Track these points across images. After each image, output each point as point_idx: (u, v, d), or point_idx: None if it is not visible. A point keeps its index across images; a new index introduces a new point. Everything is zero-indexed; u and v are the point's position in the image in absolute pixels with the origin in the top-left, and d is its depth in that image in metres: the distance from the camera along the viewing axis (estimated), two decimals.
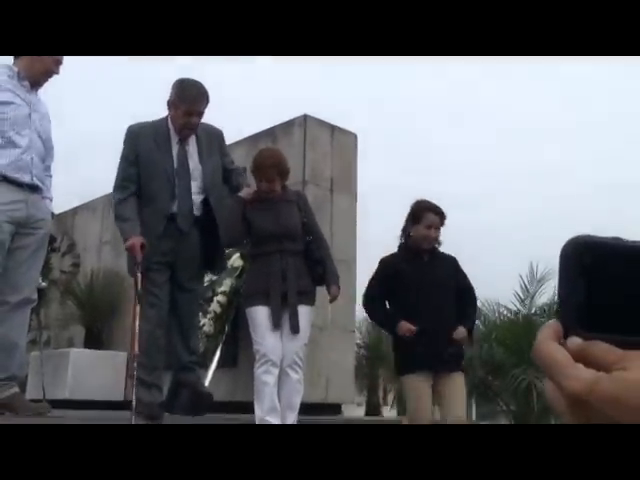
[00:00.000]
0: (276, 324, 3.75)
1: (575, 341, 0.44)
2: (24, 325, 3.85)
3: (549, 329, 0.45)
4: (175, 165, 3.98)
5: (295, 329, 3.75)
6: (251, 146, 6.06)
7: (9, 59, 3.87)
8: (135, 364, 3.74)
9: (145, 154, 3.97)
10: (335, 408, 5.94)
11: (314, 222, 4.09)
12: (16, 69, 3.80)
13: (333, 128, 6.33)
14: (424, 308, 3.77)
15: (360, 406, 14.82)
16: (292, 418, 3.75)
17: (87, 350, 7.23)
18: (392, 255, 4.03)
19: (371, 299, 3.96)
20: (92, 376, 6.60)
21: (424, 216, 3.92)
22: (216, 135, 4.20)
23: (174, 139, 4.01)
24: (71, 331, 8.09)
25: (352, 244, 6.17)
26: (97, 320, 7.80)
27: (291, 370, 3.77)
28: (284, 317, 3.79)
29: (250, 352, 3.79)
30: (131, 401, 3.63)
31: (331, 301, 4.01)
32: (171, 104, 3.97)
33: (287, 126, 6.27)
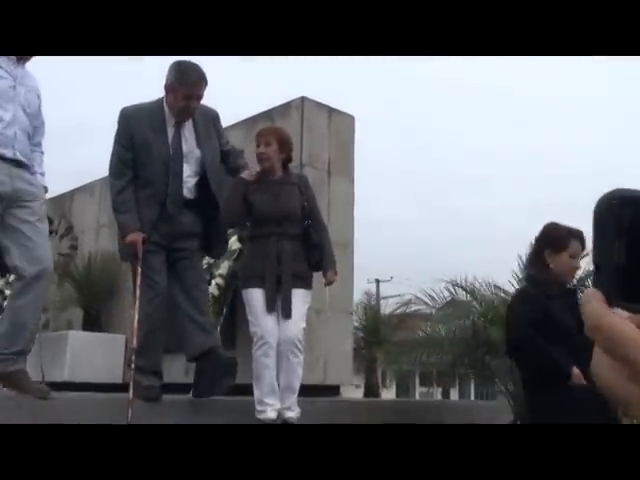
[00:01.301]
0: (270, 307, 3.75)
1: (622, 314, 0.37)
2: (41, 299, 3.76)
3: (598, 301, 0.38)
4: (170, 150, 3.94)
5: (286, 314, 3.75)
6: (248, 128, 6.04)
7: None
8: (133, 354, 3.75)
9: (140, 137, 3.92)
10: (334, 390, 5.97)
11: (315, 205, 4.06)
12: None
13: (331, 110, 6.30)
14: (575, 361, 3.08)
15: (358, 388, 14.90)
16: (291, 400, 3.77)
17: (85, 332, 7.25)
18: (533, 292, 3.35)
19: (530, 339, 3.25)
20: (90, 358, 6.62)
21: (570, 243, 3.31)
22: (212, 116, 4.16)
23: (170, 122, 3.96)
24: (69, 313, 8.10)
25: (349, 227, 6.17)
26: (95, 302, 7.81)
27: (291, 354, 3.76)
28: (278, 300, 3.79)
29: (249, 334, 3.80)
30: (129, 383, 3.63)
31: (326, 285, 4.02)
32: (169, 88, 3.90)
33: (284, 108, 6.24)
